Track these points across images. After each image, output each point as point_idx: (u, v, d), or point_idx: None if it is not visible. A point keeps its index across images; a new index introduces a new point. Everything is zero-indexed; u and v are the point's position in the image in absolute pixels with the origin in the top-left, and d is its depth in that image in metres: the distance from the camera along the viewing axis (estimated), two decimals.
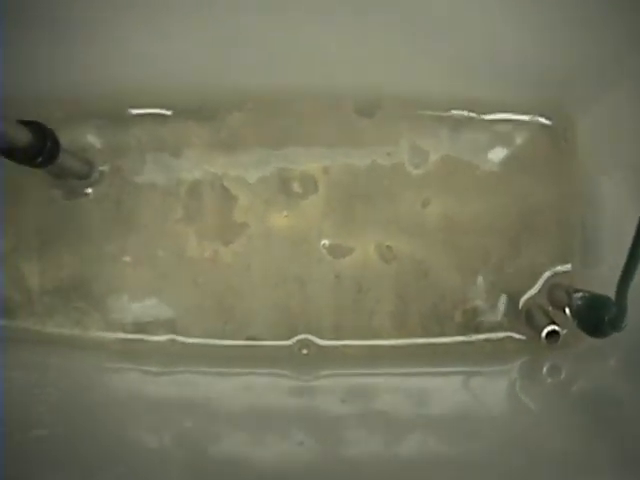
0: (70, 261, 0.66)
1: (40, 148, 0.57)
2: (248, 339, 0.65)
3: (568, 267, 0.66)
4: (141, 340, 0.65)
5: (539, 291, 0.66)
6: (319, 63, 0.63)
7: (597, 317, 0.53)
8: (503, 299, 0.66)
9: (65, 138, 0.60)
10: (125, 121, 0.68)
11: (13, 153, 0.56)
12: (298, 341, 0.65)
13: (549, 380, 0.62)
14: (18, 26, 0.58)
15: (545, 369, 0.62)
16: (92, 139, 0.67)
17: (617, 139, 0.62)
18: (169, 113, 0.68)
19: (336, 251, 0.66)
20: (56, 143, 0.59)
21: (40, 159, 0.57)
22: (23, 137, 0.55)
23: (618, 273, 0.47)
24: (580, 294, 0.57)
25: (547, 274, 0.66)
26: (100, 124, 0.67)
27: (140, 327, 0.65)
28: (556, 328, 0.59)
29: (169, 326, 0.65)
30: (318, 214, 0.66)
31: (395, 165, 0.67)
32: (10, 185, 0.65)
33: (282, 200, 0.67)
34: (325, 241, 0.66)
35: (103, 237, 0.66)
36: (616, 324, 0.51)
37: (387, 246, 0.66)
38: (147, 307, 0.65)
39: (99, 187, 0.67)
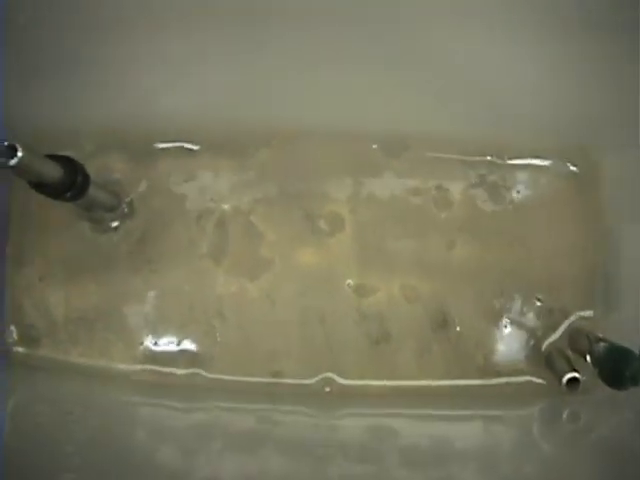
0: (95, 292, 0.66)
1: (70, 183, 0.57)
2: (272, 375, 0.65)
3: (590, 313, 0.66)
4: (165, 373, 0.65)
5: (561, 336, 0.66)
6: (347, 102, 0.64)
7: (618, 369, 0.53)
8: (525, 343, 0.66)
9: (93, 170, 0.60)
10: (153, 155, 0.68)
11: (43, 188, 0.56)
12: (322, 379, 0.65)
13: (568, 426, 0.62)
14: (49, 59, 0.58)
15: (565, 415, 0.62)
16: (120, 172, 0.68)
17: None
18: (196, 148, 0.68)
19: (361, 290, 0.66)
20: (86, 177, 0.59)
21: (69, 194, 0.57)
22: (53, 172, 0.55)
23: None
24: (602, 343, 0.58)
25: (570, 319, 0.66)
26: (128, 157, 0.68)
27: (164, 361, 0.65)
28: (577, 375, 0.60)
29: (193, 360, 0.65)
30: (344, 252, 0.67)
31: (421, 207, 0.68)
32: (38, 215, 0.66)
33: (308, 237, 0.67)
34: (350, 280, 0.66)
35: (129, 269, 0.66)
36: (637, 378, 0.51)
37: (412, 287, 0.66)
38: (172, 340, 0.65)
39: (126, 219, 0.67)
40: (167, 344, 0.66)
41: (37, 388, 0.62)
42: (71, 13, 0.55)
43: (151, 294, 0.66)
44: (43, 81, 0.61)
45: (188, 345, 0.66)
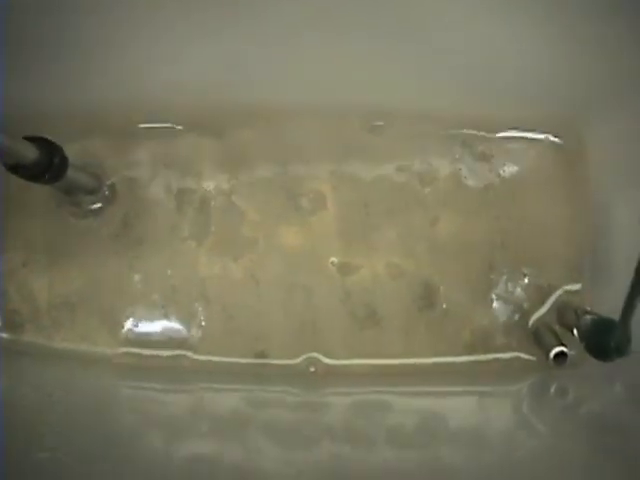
0: (78, 276, 0.65)
1: (47, 165, 0.56)
2: (256, 356, 0.65)
3: (578, 287, 0.65)
4: (149, 356, 0.65)
5: (548, 311, 0.65)
6: (328, 81, 0.63)
7: (603, 341, 0.53)
8: (512, 319, 0.66)
9: (74, 153, 0.60)
10: (135, 136, 0.68)
11: (19, 170, 0.55)
12: (306, 359, 0.64)
13: (557, 401, 0.62)
14: (29, 44, 0.58)
15: (553, 390, 0.61)
16: (101, 154, 0.67)
17: (630, 159, 0.62)
18: (179, 128, 0.68)
19: (344, 269, 0.66)
20: (64, 159, 0.58)
21: (47, 176, 0.57)
22: (29, 154, 0.54)
23: None
24: (589, 316, 0.57)
25: (557, 293, 0.65)
26: (110, 140, 0.68)
27: (148, 343, 0.65)
28: (564, 349, 0.59)
29: (178, 342, 0.65)
30: (327, 231, 0.66)
31: (404, 183, 0.67)
32: (18, 200, 0.65)
33: (291, 216, 0.67)
34: (334, 258, 0.66)
35: (112, 252, 0.66)
36: (622, 349, 0.51)
37: (395, 264, 0.66)
38: (156, 323, 0.65)
39: (108, 202, 0.66)
40: (151, 327, 0.65)
41: (18, 372, 0.61)
42: None
43: (134, 275, 0.65)
44: (22, 65, 0.60)
45: (172, 327, 0.65)
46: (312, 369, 0.64)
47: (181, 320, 0.65)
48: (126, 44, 0.60)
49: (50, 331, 0.65)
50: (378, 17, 0.57)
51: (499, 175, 0.68)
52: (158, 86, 0.64)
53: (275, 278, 0.66)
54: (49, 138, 0.57)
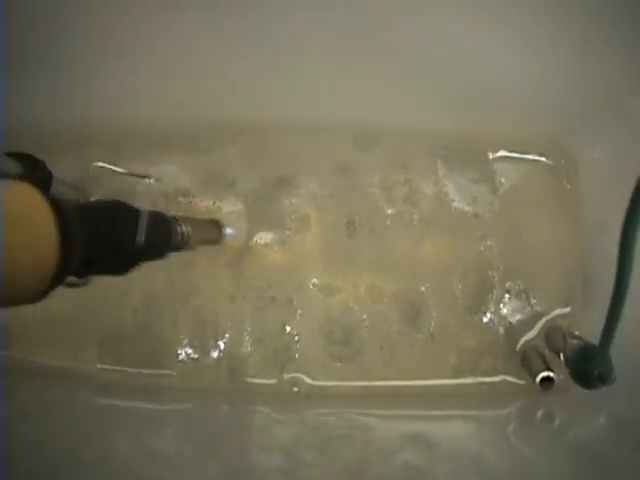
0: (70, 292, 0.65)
1: (30, 179, 0.56)
2: (239, 375, 0.64)
3: (568, 310, 0.64)
4: (133, 374, 0.64)
5: (537, 334, 0.64)
6: (317, 98, 0.63)
7: (586, 368, 0.51)
8: (500, 341, 0.64)
9: (61, 168, 0.60)
10: (121, 152, 0.68)
11: None
12: (289, 379, 0.64)
13: (543, 426, 0.60)
14: (13, 60, 0.58)
15: (539, 415, 0.60)
16: (88, 169, 0.67)
17: (621, 179, 0.60)
18: (166, 144, 0.67)
19: (326, 290, 0.65)
20: (47, 174, 0.58)
21: None
22: (13, 169, 0.54)
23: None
24: (575, 341, 0.56)
25: (546, 316, 0.64)
26: (97, 154, 0.67)
27: (135, 362, 0.64)
28: (551, 374, 0.58)
29: (160, 361, 0.64)
30: (309, 251, 0.65)
31: (390, 202, 0.66)
32: None
33: (274, 235, 0.66)
34: (315, 279, 0.65)
35: None
36: (604, 378, 0.49)
37: (377, 286, 0.65)
38: (142, 342, 0.65)
39: None
40: (138, 346, 0.65)
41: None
42: None
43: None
44: (9, 81, 0.60)
45: (157, 345, 0.64)
46: (295, 389, 0.64)
47: (163, 337, 0.65)
48: (112, 59, 0.59)
49: (36, 347, 0.65)
50: (368, 35, 0.56)
51: (487, 196, 0.67)
52: (144, 102, 0.64)
53: (256, 295, 0.65)
54: (32, 154, 0.57)
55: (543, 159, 0.67)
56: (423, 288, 0.65)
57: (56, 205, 0.32)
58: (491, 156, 0.67)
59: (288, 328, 0.65)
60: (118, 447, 0.55)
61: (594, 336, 0.55)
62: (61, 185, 0.61)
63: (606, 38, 0.52)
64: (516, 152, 0.67)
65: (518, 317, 0.65)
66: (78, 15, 0.54)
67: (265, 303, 0.65)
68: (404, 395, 0.64)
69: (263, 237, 0.66)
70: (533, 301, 0.65)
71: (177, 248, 0.46)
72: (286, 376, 0.64)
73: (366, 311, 0.65)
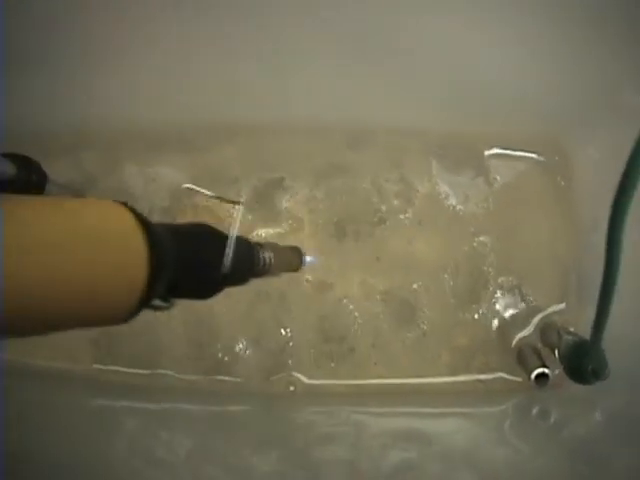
0: None
1: (25, 181, 0.56)
2: (234, 375, 0.64)
3: (562, 306, 0.64)
4: (126, 373, 0.64)
5: (532, 330, 0.64)
6: (311, 98, 0.64)
7: (580, 364, 0.51)
8: (495, 338, 0.64)
9: (58, 169, 0.60)
10: (118, 152, 0.68)
11: None
12: (284, 378, 0.64)
13: (539, 423, 0.60)
14: (12, 61, 0.58)
15: (535, 411, 0.60)
16: (85, 170, 0.67)
17: (615, 176, 0.60)
18: (162, 145, 0.68)
19: (320, 287, 0.65)
20: (42, 176, 0.58)
21: (26, 192, 0.57)
22: (8, 170, 0.54)
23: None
24: (569, 337, 0.56)
25: (541, 313, 0.64)
26: (94, 155, 0.68)
27: (129, 362, 0.64)
28: (545, 371, 0.58)
29: (157, 361, 0.64)
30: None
31: (383, 200, 0.66)
32: None
33: (270, 231, 0.66)
34: (309, 276, 0.65)
35: None
36: (598, 373, 0.49)
37: (371, 283, 0.65)
38: (137, 341, 0.64)
39: None
40: (132, 344, 0.65)
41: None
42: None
43: None
44: (8, 82, 0.61)
45: (152, 346, 0.64)
46: (291, 388, 0.63)
47: (159, 336, 0.64)
48: (111, 59, 0.60)
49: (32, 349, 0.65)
50: (364, 35, 0.56)
51: (482, 193, 0.67)
52: (143, 102, 0.64)
53: (251, 295, 0.65)
54: (28, 155, 0.57)
55: (537, 157, 0.67)
56: (416, 285, 0.65)
57: (147, 226, 0.32)
58: (486, 154, 0.67)
59: (282, 325, 0.65)
60: (115, 448, 0.56)
61: (589, 332, 0.55)
62: (56, 186, 0.61)
63: (602, 37, 0.52)
64: (510, 150, 0.67)
65: (513, 314, 0.65)
66: (78, 15, 0.54)
67: (260, 299, 0.65)
68: (399, 393, 0.64)
69: (260, 233, 0.66)
70: (528, 298, 0.65)
71: (259, 275, 0.46)
72: (281, 375, 0.64)
73: (359, 309, 0.65)
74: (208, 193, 0.43)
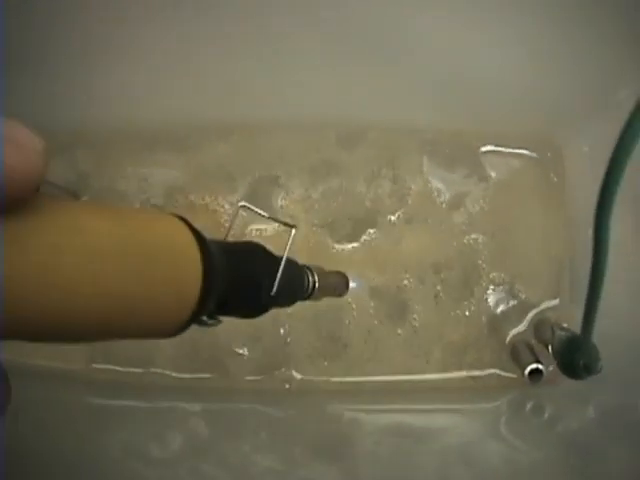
0: None
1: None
2: (229, 372, 0.64)
3: (556, 302, 0.64)
4: (121, 372, 0.64)
5: (526, 326, 0.64)
6: (305, 95, 0.64)
7: (573, 359, 0.51)
8: (488, 334, 0.64)
9: (51, 169, 0.60)
10: (113, 152, 0.68)
11: None
12: (279, 375, 0.64)
13: (533, 419, 0.61)
14: (13, 61, 0.58)
15: (529, 407, 0.60)
16: (80, 170, 0.67)
17: None
18: (158, 143, 0.68)
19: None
20: None
21: None
22: None
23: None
24: (562, 333, 0.56)
25: (535, 309, 0.64)
26: (90, 155, 0.68)
27: (124, 360, 0.64)
28: (539, 367, 0.58)
29: (149, 359, 0.64)
30: (298, 249, 0.65)
31: (377, 198, 0.66)
32: None
33: (263, 234, 0.66)
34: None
35: None
36: (590, 367, 0.49)
37: (366, 280, 0.65)
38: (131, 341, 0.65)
39: None
40: (126, 344, 0.65)
41: None
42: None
43: None
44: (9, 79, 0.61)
45: (145, 345, 0.64)
46: (287, 385, 0.64)
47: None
48: (108, 60, 0.60)
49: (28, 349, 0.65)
50: (356, 32, 0.56)
51: (474, 189, 0.67)
52: (138, 102, 0.64)
53: None
54: None
55: (529, 152, 0.67)
56: (409, 282, 0.65)
57: (203, 242, 0.32)
58: (478, 150, 0.67)
59: (277, 322, 0.65)
60: (111, 446, 0.56)
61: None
62: (50, 186, 0.61)
63: (595, 33, 0.52)
64: (503, 146, 0.67)
65: (506, 310, 0.65)
66: (76, 15, 0.54)
67: None
68: (392, 390, 0.64)
69: (256, 229, 0.67)
70: (521, 294, 0.65)
71: (304, 298, 0.46)
72: (277, 372, 0.64)
73: (353, 306, 0.65)
74: (263, 214, 0.43)
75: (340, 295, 0.53)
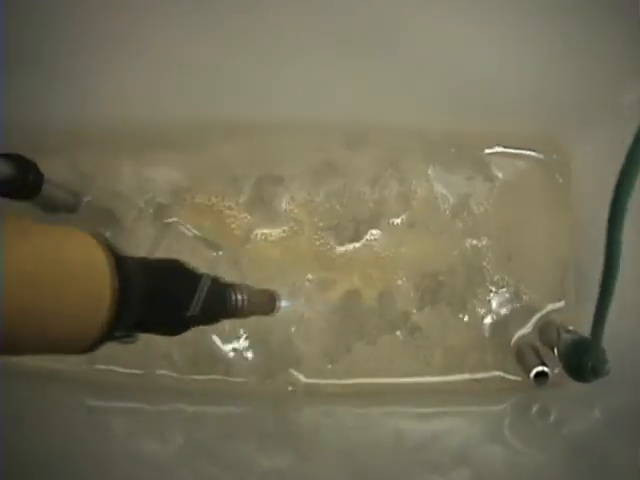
0: None
1: (22, 181, 0.56)
2: (234, 375, 0.64)
3: (561, 304, 0.64)
4: (123, 374, 0.64)
5: (531, 329, 0.64)
6: (311, 96, 0.63)
7: (580, 361, 0.51)
8: (493, 337, 0.64)
9: (55, 169, 0.59)
10: (115, 152, 0.68)
11: None
12: (283, 377, 0.64)
13: (539, 422, 0.60)
14: (11, 60, 0.57)
15: (535, 410, 0.60)
16: (82, 170, 0.67)
17: (614, 174, 0.60)
18: (159, 143, 0.68)
19: (321, 285, 0.65)
20: (39, 176, 0.58)
21: (22, 192, 0.56)
22: (3, 170, 0.54)
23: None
24: (568, 335, 0.56)
25: (540, 311, 0.64)
26: (89, 155, 0.67)
27: (124, 362, 0.64)
28: (545, 369, 0.58)
29: (153, 361, 0.64)
30: (303, 249, 0.65)
31: (381, 200, 0.66)
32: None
33: (268, 235, 0.66)
34: (310, 275, 0.65)
35: None
36: (598, 370, 0.49)
37: (369, 282, 0.65)
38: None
39: (87, 220, 0.66)
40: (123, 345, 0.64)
41: None
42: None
43: None
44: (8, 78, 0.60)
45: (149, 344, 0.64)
46: (290, 388, 0.63)
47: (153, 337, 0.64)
48: (107, 57, 0.59)
49: None
50: (363, 33, 0.56)
51: (479, 191, 0.66)
52: (139, 102, 0.64)
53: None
54: (23, 155, 0.57)
55: (535, 154, 0.66)
56: (414, 284, 0.65)
57: (117, 259, 0.32)
58: (483, 152, 0.66)
59: (281, 324, 0.65)
60: (111, 448, 0.55)
61: (587, 330, 0.55)
62: (52, 187, 0.60)
63: (603, 35, 0.52)
64: (509, 148, 0.67)
65: (511, 312, 0.64)
66: (74, 13, 0.54)
67: None
68: (396, 392, 0.64)
69: (261, 233, 0.66)
70: (526, 296, 0.65)
71: (230, 316, 0.46)
72: (280, 375, 0.63)
73: (356, 308, 0.65)
74: (195, 232, 0.43)
75: (269, 313, 0.53)
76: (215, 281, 0.44)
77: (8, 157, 0.55)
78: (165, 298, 0.38)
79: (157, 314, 0.38)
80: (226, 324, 0.64)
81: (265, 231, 0.66)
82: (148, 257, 0.39)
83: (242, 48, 0.58)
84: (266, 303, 0.52)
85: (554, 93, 0.60)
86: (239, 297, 0.46)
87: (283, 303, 0.55)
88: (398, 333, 0.64)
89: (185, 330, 0.41)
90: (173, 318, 0.40)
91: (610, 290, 0.43)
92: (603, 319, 0.45)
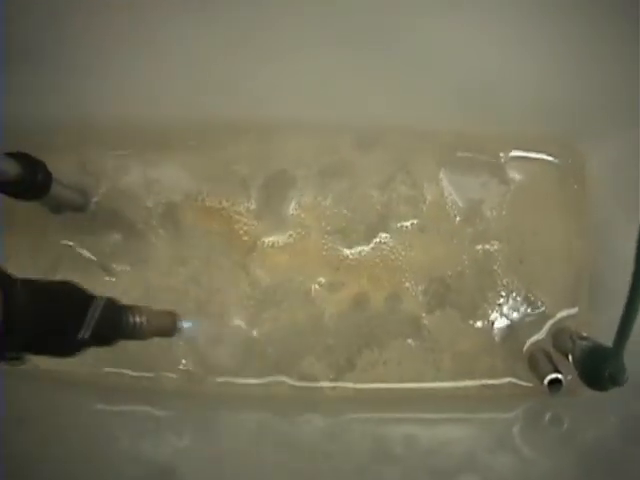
0: None
1: (30, 181, 0.56)
2: (230, 377, 0.64)
3: (575, 310, 0.63)
4: (132, 377, 0.63)
5: (544, 335, 0.63)
6: (320, 97, 0.63)
7: (597, 369, 0.50)
8: (506, 343, 0.64)
9: (63, 169, 0.59)
10: (123, 151, 0.67)
11: (3, 186, 0.55)
12: (287, 382, 0.63)
13: (551, 430, 0.59)
14: (12, 57, 0.57)
15: (547, 418, 0.59)
16: (90, 170, 0.67)
17: (629, 179, 0.59)
18: (166, 144, 0.67)
19: (329, 288, 0.65)
20: (47, 175, 0.57)
21: (31, 192, 0.56)
22: (12, 170, 0.54)
23: None
24: (584, 342, 0.55)
25: (553, 317, 0.63)
26: (98, 155, 0.67)
27: (133, 365, 0.64)
28: (559, 376, 0.57)
29: (162, 364, 0.63)
30: (312, 251, 0.65)
31: (389, 203, 0.66)
32: (8, 216, 0.65)
33: (276, 238, 0.66)
34: (321, 278, 0.64)
35: (100, 270, 0.65)
36: (616, 379, 0.48)
37: (378, 287, 0.64)
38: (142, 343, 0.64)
39: (96, 220, 0.66)
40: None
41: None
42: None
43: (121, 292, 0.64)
44: (7, 79, 0.60)
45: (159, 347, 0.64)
46: (293, 391, 0.63)
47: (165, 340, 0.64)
48: (113, 57, 0.59)
49: None
50: (374, 35, 0.55)
51: (493, 195, 0.66)
52: (145, 101, 0.63)
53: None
54: (31, 154, 0.56)
55: (550, 158, 0.66)
56: (425, 289, 0.64)
57: (3, 281, 0.32)
58: (497, 156, 0.66)
59: (287, 326, 0.64)
60: (119, 452, 0.55)
61: (601, 337, 0.54)
62: (60, 186, 0.60)
63: (621, 37, 0.51)
64: (523, 151, 0.66)
65: (524, 318, 0.64)
66: (77, 12, 0.53)
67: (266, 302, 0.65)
68: (404, 398, 0.63)
69: (270, 237, 0.66)
70: (539, 302, 0.64)
71: (128, 337, 0.46)
72: (284, 378, 0.63)
73: (364, 312, 0.64)
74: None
75: (170, 335, 0.53)
76: (110, 303, 0.44)
77: (17, 157, 0.55)
78: (55, 321, 0.38)
79: (46, 337, 0.38)
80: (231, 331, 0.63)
81: (272, 238, 0.66)
82: (41, 279, 0.39)
83: (252, 50, 0.58)
84: (167, 324, 0.52)
85: (569, 98, 0.59)
86: (137, 319, 0.46)
87: (184, 324, 0.55)
88: (409, 340, 0.64)
89: (77, 352, 0.41)
90: (64, 341, 0.40)
91: (637, 302, 0.42)
92: (628, 330, 0.44)
